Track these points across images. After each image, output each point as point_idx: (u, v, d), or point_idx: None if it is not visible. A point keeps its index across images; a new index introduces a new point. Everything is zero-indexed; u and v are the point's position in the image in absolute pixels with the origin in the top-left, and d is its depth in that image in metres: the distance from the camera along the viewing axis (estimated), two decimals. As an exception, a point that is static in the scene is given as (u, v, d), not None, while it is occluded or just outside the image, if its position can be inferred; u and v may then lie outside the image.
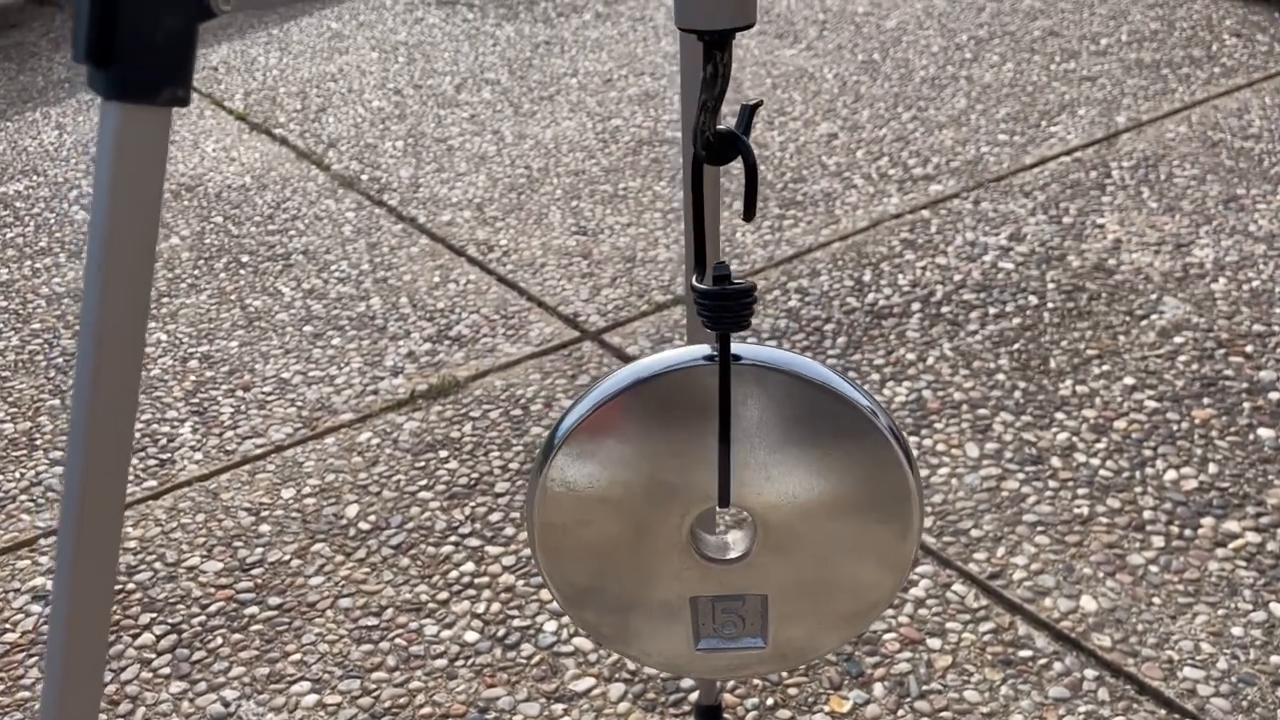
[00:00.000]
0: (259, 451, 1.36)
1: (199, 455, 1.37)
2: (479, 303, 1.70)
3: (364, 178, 2.22)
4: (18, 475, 1.36)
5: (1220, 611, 1.02)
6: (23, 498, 1.31)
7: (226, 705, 1.00)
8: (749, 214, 0.38)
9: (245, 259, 1.91)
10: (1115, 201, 1.83)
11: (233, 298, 1.77)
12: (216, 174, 2.31)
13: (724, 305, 0.36)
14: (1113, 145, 2.05)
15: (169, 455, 1.37)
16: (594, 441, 0.39)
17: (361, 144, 2.41)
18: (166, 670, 1.04)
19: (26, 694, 1.03)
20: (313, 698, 1.00)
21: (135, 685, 1.03)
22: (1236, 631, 1.00)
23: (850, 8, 3.05)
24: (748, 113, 0.39)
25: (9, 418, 1.49)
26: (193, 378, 1.55)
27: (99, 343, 0.44)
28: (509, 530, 1.19)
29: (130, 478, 1.33)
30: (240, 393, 1.50)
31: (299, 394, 1.48)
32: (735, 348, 0.38)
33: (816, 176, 2.04)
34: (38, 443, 1.42)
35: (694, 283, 0.38)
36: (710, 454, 0.39)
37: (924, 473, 1.23)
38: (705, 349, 0.39)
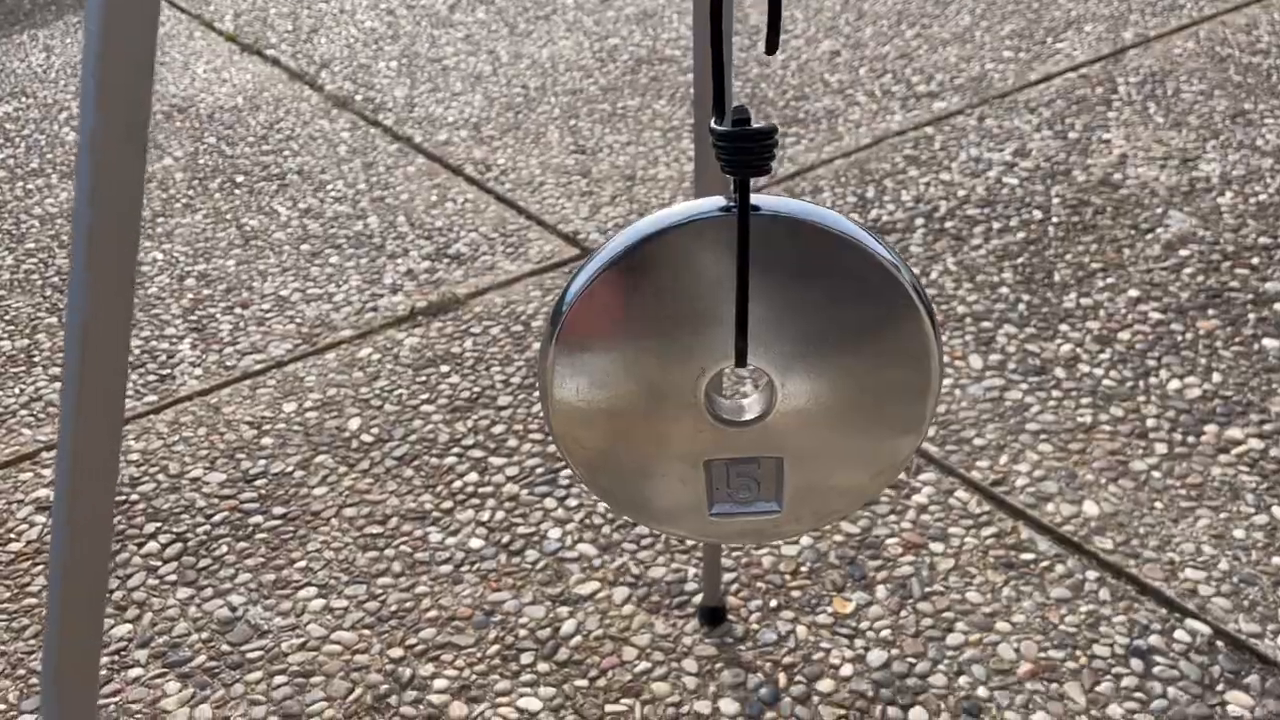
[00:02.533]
0: (259, 367, 1.36)
1: (199, 371, 1.36)
2: (477, 221, 1.68)
3: (358, 98, 2.18)
4: (17, 391, 1.35)
5: (1222, 515, 1.03)
6: (23, 412, 1.31)
7: (233, 610, 1.00)
8: (772, 46, 0.37)
9: (240, 179, 1.89)
10: (1121, 117, 1.80)
11: (228, 217, 1.75)
12: (208, 95, 2.28)
13: (744, 146, 0.35)
14: (1119, 61, 2.02)
15: (169, 371, 1.36)
16: (605, 301, 0.38)
17: (355, 64, 2.37)
18: (173, 577, 1.04)
19: (33, 600, 1.04)
20: (319, 602, 1.00)
21: (142, 592, 1.03)
22: (1238, 534, 1.01)
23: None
24: None
25: (6, 335, 1.48)
26: (190, 295, 1.54)
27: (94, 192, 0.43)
28: (512, 442, 1.19)
29: (131, 393, 1.33)
30: (239, 310, 1.49)
31: (298, 311, 1.47)
32: (753, 198, 0.37)
33: (819, 94, 2.01)
34: (35, 359, 1.42)
35: (712, 124, 0.37)
36: (726, 311, 0.38)
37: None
38: (720, 200, 0.38)
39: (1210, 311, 1.31)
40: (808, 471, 0.41)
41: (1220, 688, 0.88)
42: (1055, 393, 1.19)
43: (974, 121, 1.84)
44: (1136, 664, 0.90)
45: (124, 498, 1.15)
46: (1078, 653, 0.91)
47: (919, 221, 1.54)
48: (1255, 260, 1.40)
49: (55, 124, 2.21)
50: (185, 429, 1.25)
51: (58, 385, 1.36)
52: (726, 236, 0.37)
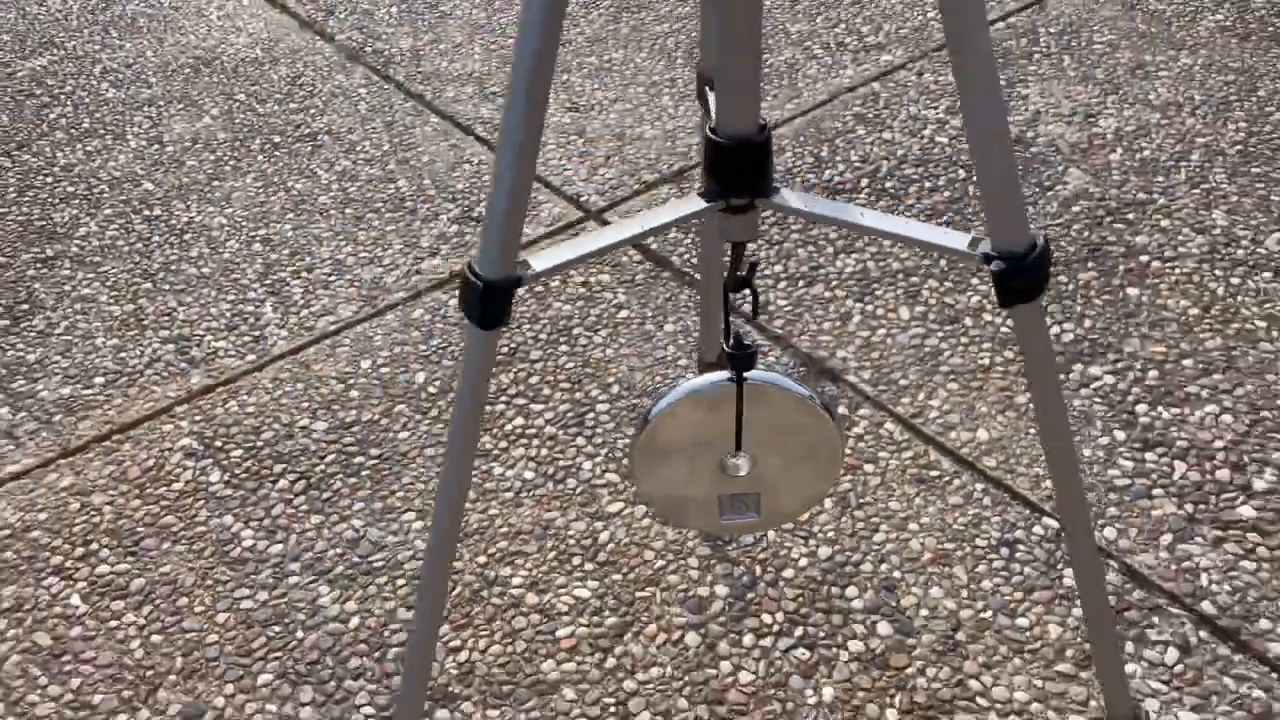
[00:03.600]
0: (334, 328, 1.68)
1: (284, 332, 1.68)
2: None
3: (368, 50, 2.42)
4: (138, 353, 1.67)
5: (1077, 438, 1.40)
6: (149, 372, 1.63)
7: (356, 531, 1.37)
8: None
9: (277, 139, 2.15)
10: (1039, 71, 2.10)
11: (275, 180, 2.04)
12: (228, 46, 2.50)
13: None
14: (1042, 9, 2.29)
15: (259, 332, 1.69)
16: (667, 424, 0.72)
17: (358, 10, 2.59)
18: (305, 507, 1.40)
19: (202, 528, 1.39)
20: (420, 524, 1.37)
21: (284, 519, 1.39)
22: (1086, 453, 1.38)
23: None
24: None
25: (113, 300, 1.78)
26: (259, 261, 1.84)
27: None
28: (546, 391, 1.53)
29: (233, 353, 1.65)
30: (305, 274, 1.80)
31: (355, 274, 1.79)
32: (750, 376, 0.70)
33: (781, 46, 2.28)
34: (145, 323, 1.73)
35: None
36: (731, 425, 0.72)
37: (865, 333, 1.57)
38: (725, 374, 0.71)
39: (1090, 264, 1.65)
40: (772, 499, 0.76)
41: (1060, 567, 1.26)
42: (964, 339, 1.55)
43: (914, 76, 2.13)
44: (1004, 551, 1.28)
45: (253, 445, 1.49)
46: (964, 544, 1.29)
47: (864, 182, 1.86)
48: (1131, 215, 1.74)
49: (93, 79, 2.43)
50: (285, 384, 1.59)
51: (170, 347, 1.68)
52: (729, 390, 0.71)
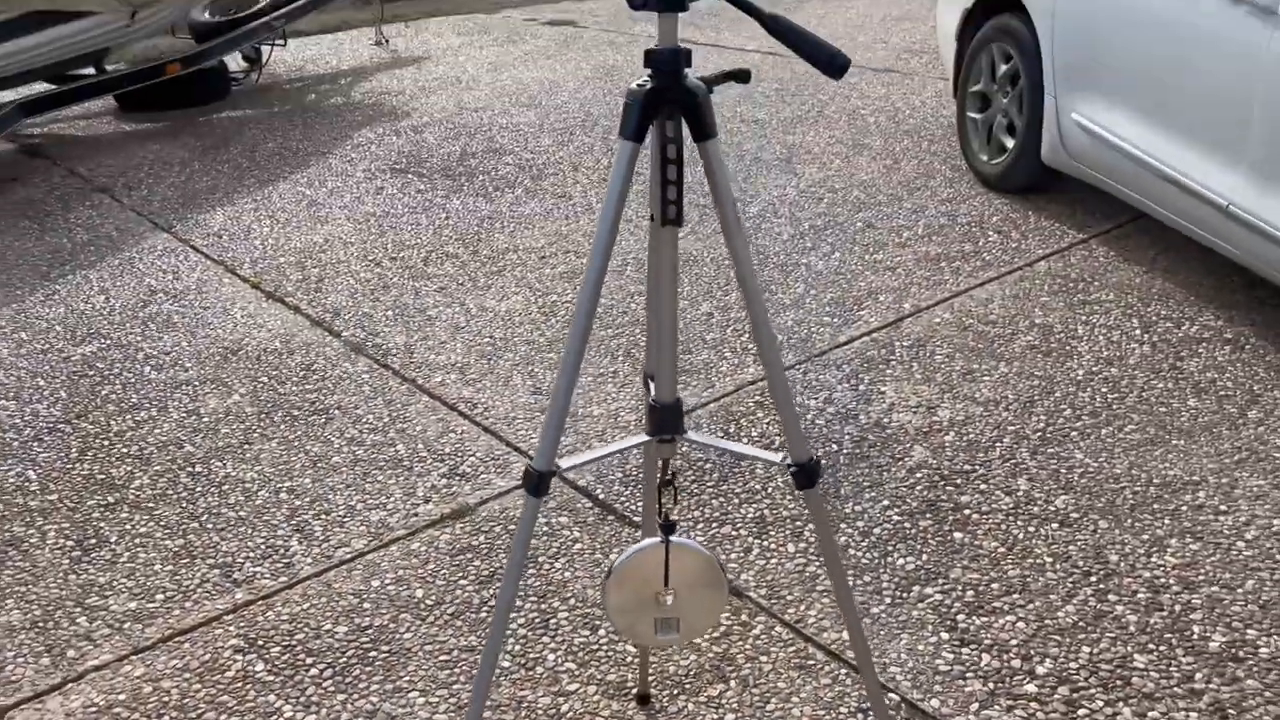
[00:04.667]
0: (349, 556, 2.14)
1: (309, 560, 2.13)
2: (473, 447, 2.51)
3: (369, 345, 3.01)
4: (190, 576, 2.10)
5: (913, 638, 1.89)
6: (200, 591, 2.06)
7: (373, 705, 1.77)
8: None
9: (295, 413, 2.68)
10: (894, 374, 2.75)
11: (296, 445, 2.54)
12: (251, 339, 3.07)
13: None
14: (898, 328, 2.99)
15: (288, 560, 2.13)
16: (624, 573, 1.21)
17: (359, 313, 3.20)
18: (332, 688, 1.81)
19: (251, 704, 1.78)
20: (422, 700, 1.78)
21: (316, 697, 1.79)
22: (919, 647, 1.87)
23: (729, 180, 3.99)
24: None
25: (166, 536, 2.22)
26: (286, 507, 2.31)
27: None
28: (519, 602, 1.99)
29: (268, 576, 2.09)
30: (324, 516, 2.27)
31: (363, 517, 2.26)
32: (672, 539, 1.20)
33: (699, 349, 2.92)
34: (195, 554, 2.17)
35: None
36: (662, 572, 1.20)
37: (762, 562, 2.08)
38: (658, 539, 1.21)
39: (927, 515, 2.21)
40: (687, 623, 1.24)
41: (901, 726, 1.72)
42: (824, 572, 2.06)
43: (800, 374, 2.76)
44: (860, 716, 1.74)
45: (289, 643, 1.91)
46: (832, 711, 1.75)
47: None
48: (959, 481, 2.32)
49: (136, 363, 2.96)
50: (312, 599, 2.02)
51: (216, 571, 2.11)
52: (661, 550, 1.21)
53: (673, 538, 1.19)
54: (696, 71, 1.08)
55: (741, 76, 1.13)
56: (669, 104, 1.04)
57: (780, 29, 1.02)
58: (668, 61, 1.04)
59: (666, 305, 1.16)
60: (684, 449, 2.44)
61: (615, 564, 1.21)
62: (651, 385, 1.25)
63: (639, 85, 1.06)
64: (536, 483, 1.21)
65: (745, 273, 1.14)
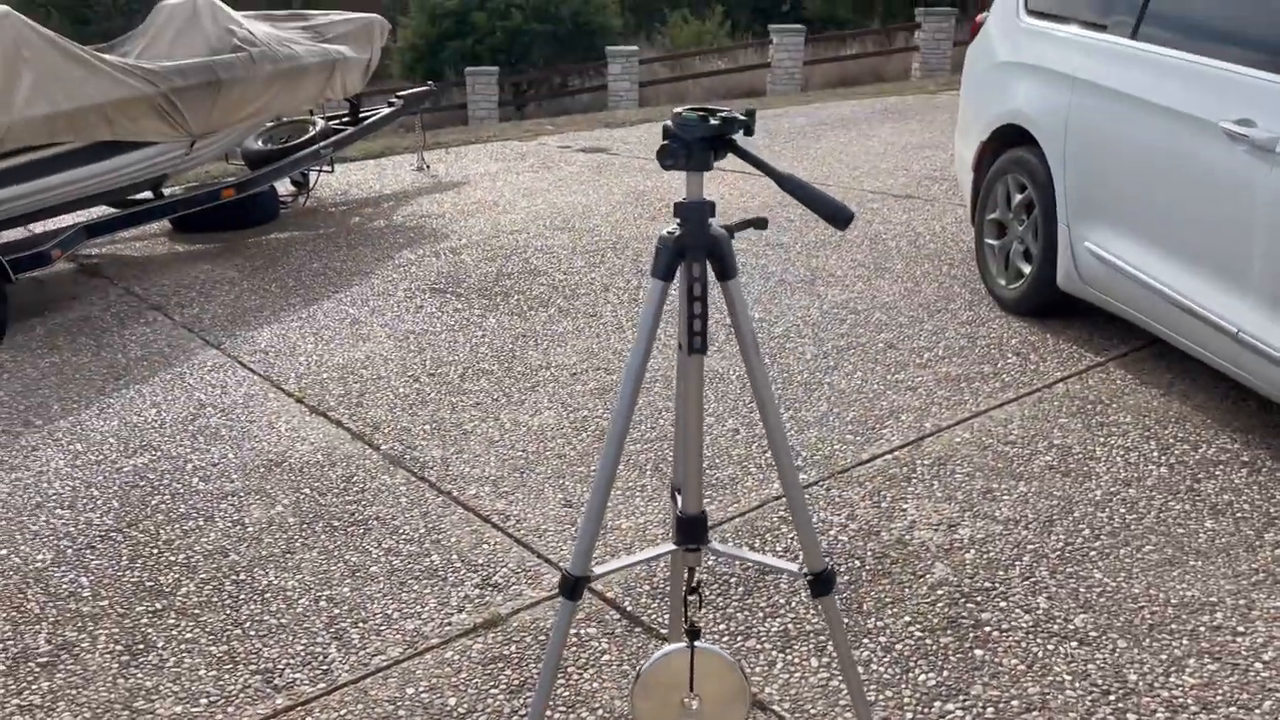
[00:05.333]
0: (385, 664, 2.21)
1: (347, 667, 2.21)
2: (506, 559, 2.59)
3: (407, 458, 3.12)
4: (233, 681, 2.17)
5: (936, 752, 1.92)
6: (242, 696, 2.13)
7: (406, 811, 1.82)
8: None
9: (336, 523, 2.78)
10: (915, 491, 2.83)
11: (335, 554, 2.64)
12: (294, 451, 3.20)
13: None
14: (919, 446, 3.07)
15: (327, 666, 2.21)
16: (650, 677, 1.28)
17: (398, 427, 3.33)
18: (367, 793, 1.86)
19: None
20: (454, 806, 1.83)
21: (350, 802, 1.84)
22: (943, 762, 1.90)
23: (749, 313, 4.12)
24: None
25: (211, 643, 2.31)
26: (325, 614, 2.39)
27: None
28: (548, 714, 2.05)
29: (306, 682, 2.16)
30: (361, 624, 2.35)
31: (399, 625, 2.34)
32: (697, 644, 1.27)
33: (724, 464, 3.01)
34: (237, 659, 2.24)
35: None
36: (688, 676, 1.28)
37: (786, 675, 2.13)
38: (684, 644, 1.29)
39: (949, 632, 2.26)
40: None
41: (923, 841, 1.74)
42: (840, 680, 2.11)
43: (823, 491, 2.84)
44: None
45: (326, 747, 1.97)
46: None
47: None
48: (979, 598, 2.37)
49: (185, 474, 3.09)
50: (349, 704, 2.09)
51: (258, 677, 2.19)
52: (686, 655, 1.29)
53: (697, 643, 1.27)
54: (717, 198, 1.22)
55: (759, 224, 1.26)
56: (695, 249, 1.18)
57: (791, 187, 1.16)
58: (695, 212, 1.17)
59: (693, 424, 1.26)
60: (709, 561, 2.51)
61: (642, 668, 1.28)
62: (678, 498, 1.35)
63: (669, 232, 1.19)
64: (573, 587, 1.29)
65: (764, 395, 1.25)
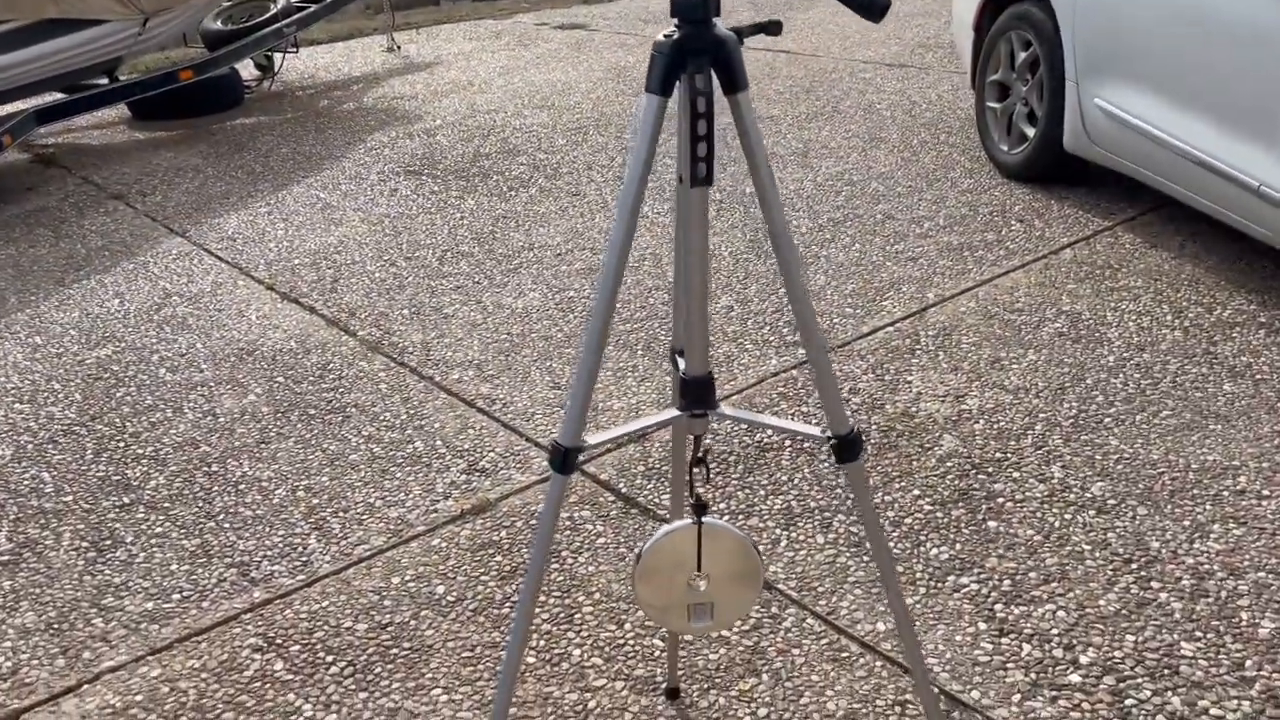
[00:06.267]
0: (369, 553, 2.09)
1: (328, 557, 2.09)
2: (492, 443, 2.46)
3: (385, 344, 2.97)
4: (207, 575, 2.06)
5: (950, 628, 1.83)
6: (217, 590, 2.01)
7: (395, 703, 1.72)
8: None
9: (312, 412, 2.64)
10: (920, 363, 2.69)
11: (313, 443, 2.50)
12: (266, 339, 3.04)
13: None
14: (923, 317, 2.93)
15: (307, 558, 2.09)
16: (654, 557, 1.16)
17: (375, 312, 3.17)
18: (353, 686, 1.76)
19: (271, 704, 1.74)
20: (445, 698, 1.73)
21: (337, 696, 1.74)
22: (957, 638, 1.81)
23: (740, 188, 3.94)
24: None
25: (183, 536, 2.18)
26: (303, 505, 2.27)
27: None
28: (543, 598, 1.94)
29: (285, 574, 2.05)
30: (342, 514, 2.23)
31: (383, 513, 2.22)
32: (705, 520, 1.14)
33: (719, 341, 2.86)
34: (211, 553, 2.12)
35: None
36: (694, 556, 1.15)
37: (790, 554, 2.02)
38: (690, 520, 1.16)
39: (960, 504, 2.15)
40: (721, 609, 1.19)
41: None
42: (864, 559, 2.00)
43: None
44: (898, 709, 1.68)
45: (308, 641, 1.86)
46: (868, 705, 1.69)
47: (788, 443, 2.38)
48: (990, 469, 2.26)
49: (151, 365, 2.93)
50: (330, 596, 1.98)
51: (234, 570, 2.07)
52: (693, 532, 1.16)
53: (705, 519, 1.14)
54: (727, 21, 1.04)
55: (772, 28, 1.08)
56: (698, 55, 0.99)
57: None
58: (696, 8, 0.99)
59: (697, 272, 1.11)
60: (715, 428, 2.38)
61: (645, 548, 1.16)
62: (680, 360, 1.20)
63: (665, 36, 1.01)
64: (564, 459, 1.16)
65: (781, 238, 1.09)
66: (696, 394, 1.16)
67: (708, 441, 2.36)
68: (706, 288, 1.11)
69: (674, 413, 1.18)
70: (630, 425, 1.19)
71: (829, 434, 1.18)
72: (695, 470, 1.17)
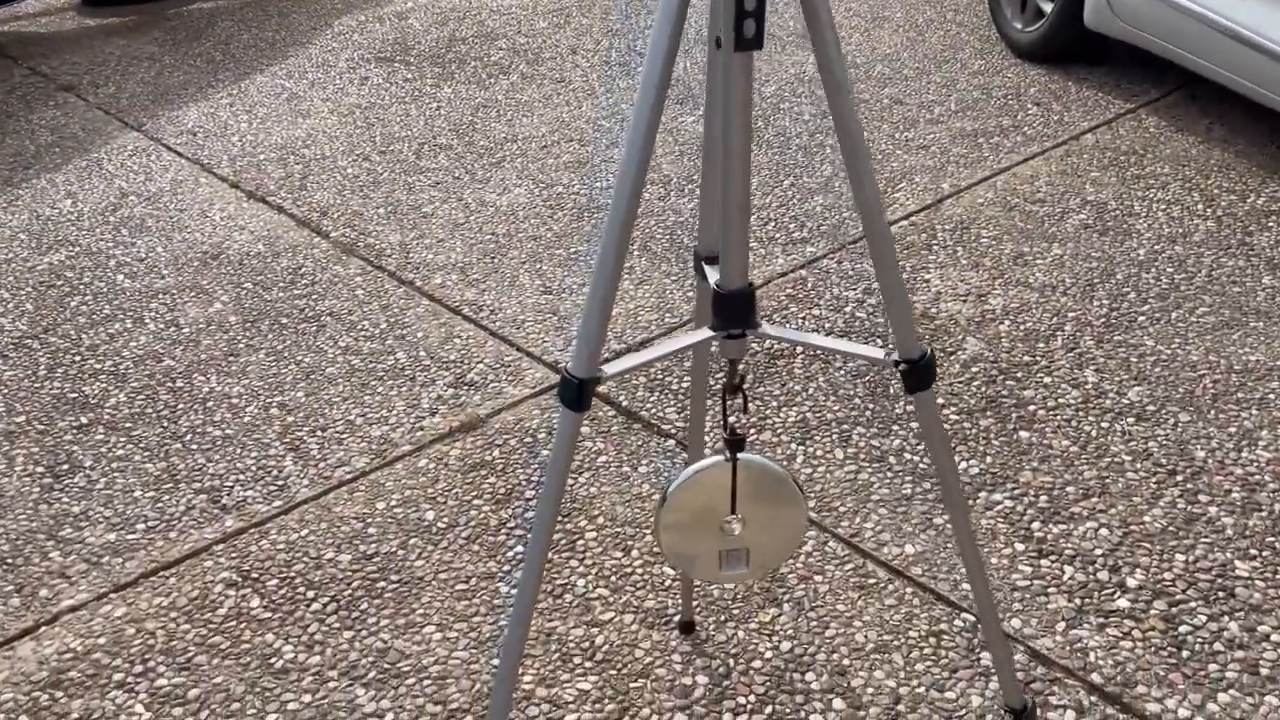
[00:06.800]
0: (350, 476, 1.93)
1: (306, 481, 1.92)
2: (481, 354, 2.28)
3: (361, 245, 2.76)
4: (174, 502, 1.89)
5: (985, 550, 1.69)
6: (186, 518, 1.85)
7: (384, 642, 1.58)
8: None
9: (284, 320, 2.44)
10: (938, 260, 2.51)
11: (286, 355, 2.31)
12: (232, 242, 2.82)
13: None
14: (938, 210, 2.74)
15: (283, 482, 1.92)
16: (681, 498, 0.99)
17: (349, 211, 2.94)
18: (338, 624, 1.61)
19: (247, 645, 1.59)
20: (439, 635, 1.59)
21: (320, 635, 1.60)
22: (994, 560, 1.67)
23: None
24: None
25: (147, 459, 2.01)
26: (278, 423, 2.09)
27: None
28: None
29: (260, 500, 1.88)
30: (320, 433, 2.06)
31: (365, 432, 2.05)
32: (741, 456, 0.98)
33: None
34: (178, 477, 1.96)
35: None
36: (728, 496, 0.99)
37: (808, 470, 1.87)
38: (722, 456, 0.99)
39: (988, 413, 1.99)
40: (757, 554, 1.03)
41: (978, 650, 1.53)
42: (889, 474, 1.85)
43: (834, 264, 2.52)
44: (932, 640, 1.55)
45: (286, 575, 1.71)
46: (900, 636, 1.56)
47: (799, 349, 2.21)
48: (1019, 374, 2.10)
49: (108, 271, 2.72)
50: (310, 524, 1.82)
51: (203, 497, 1.90)
52: (726, 470, 1.00)
53: (741, 454, 0.97)
54: None
55: None
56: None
57: None
58: None
59: (738, 160, 0.91)
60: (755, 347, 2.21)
61: (670, 489, 0.99)
62: (709, 270, 1.02)
63: None
64: (577, 392, 0.98)
65: (849, 122, 0.88)
66: (734, 311, 0.97)
67: (743, 368, 2.19)
68: (748, 180, 0.92)
69: (706, 333, 1.00)
70: (654, 351, 1.01)
71: (896, 358, 1.01)
72: (731, 400, 1.00)
